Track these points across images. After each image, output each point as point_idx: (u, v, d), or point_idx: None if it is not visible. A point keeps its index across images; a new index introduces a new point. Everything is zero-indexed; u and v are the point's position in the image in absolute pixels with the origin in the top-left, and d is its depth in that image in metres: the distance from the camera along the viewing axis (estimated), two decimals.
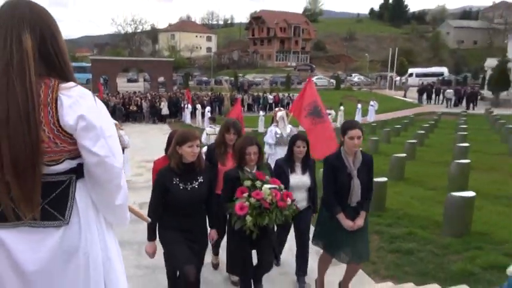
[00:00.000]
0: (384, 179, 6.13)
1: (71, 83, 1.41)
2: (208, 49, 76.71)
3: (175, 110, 25.15)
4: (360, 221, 3.31)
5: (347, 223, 3.30)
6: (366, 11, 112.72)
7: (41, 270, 1.40)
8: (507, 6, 70.72)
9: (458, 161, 7.80)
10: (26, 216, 1.38)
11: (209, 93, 32.67)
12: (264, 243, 3.30)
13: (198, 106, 23.56)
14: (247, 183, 3.10)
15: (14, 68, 1.32)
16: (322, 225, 3.50)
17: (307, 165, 3.78)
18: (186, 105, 23.91)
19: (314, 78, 41.09)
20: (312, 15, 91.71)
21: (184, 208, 2.99)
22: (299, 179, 3.66)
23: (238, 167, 3.29)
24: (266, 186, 3.05)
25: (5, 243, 1.38)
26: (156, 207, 2.97)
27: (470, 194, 5.19)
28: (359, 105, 23.04)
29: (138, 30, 70.92)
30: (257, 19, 75.09)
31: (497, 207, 6.11)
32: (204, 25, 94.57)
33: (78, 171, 1.46)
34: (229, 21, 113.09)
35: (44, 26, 1.41)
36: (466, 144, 10.55)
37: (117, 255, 1.61)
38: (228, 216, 3.26)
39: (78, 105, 1.37)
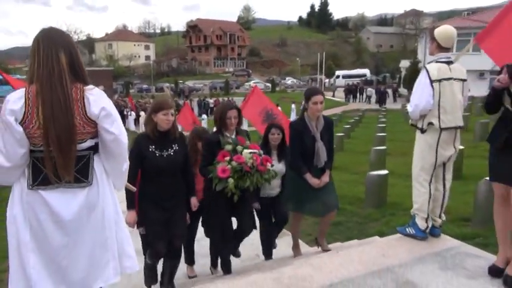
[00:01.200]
0: None
1: (91, 86, 1.90)
2: (147, 57, 76.93)
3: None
4: (325, 178, 3.54)
5: (313, 181, 3.47)
6: (296, 19, 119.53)
7: (73, 219, 1.86)
8: (416, 14, 79.65)
9: (376, 147, 9.19)
10: (63, 180, 1.83)
11: (151, 100, 34.15)
12: (242, 209, 3.41)
13: (142, 113, 22.92)
14: (229, 147, 3.14)
15: (55, 77, 1.78)
16: (291, 189, 3.67)
17: (283, 152, 3.79)
18: (129, 113, 24.37)
19: (251, 83, 43.80)
20: (245, 23, 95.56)
21: (162, 175, 3.04)
22: (275, 166, 3.55)
23: (219, 132, 3.35)
24: (246, 151, 3.11)
25: (46, 201, 1.83)
26: (133, 174, 2.94)
27: (385, 172, 6.13)
28: (293, 106, 25.30)
29: (74, 40, 69.60)
30: (194, 27, 77.00)
31: (408, 183, 7.58)
32: (141, 34, 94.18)
33: (95, 148, 1.95)
34: (166, 30, 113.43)
35: (70, 46, 1.90)
36: (384, 134, 13.10)
37: (121, 212, 2.05)
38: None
39: (100, 100, 1.88)
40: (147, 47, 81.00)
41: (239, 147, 3.16)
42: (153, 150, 3.02)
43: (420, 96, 3.07)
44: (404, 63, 39.96)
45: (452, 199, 6.30)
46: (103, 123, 1.88)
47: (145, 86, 53.90)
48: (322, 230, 3.90)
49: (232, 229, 3.48)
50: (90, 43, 78.08)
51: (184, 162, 3.21)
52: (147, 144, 3.04)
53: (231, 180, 3.02)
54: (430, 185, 3.19)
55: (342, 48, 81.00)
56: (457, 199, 5.87)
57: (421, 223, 3.27)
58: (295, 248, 4.00)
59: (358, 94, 37.76)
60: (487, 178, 4.29)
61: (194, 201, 3.38)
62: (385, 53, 77.85)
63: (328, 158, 3.57)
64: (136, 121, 23.84)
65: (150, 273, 3.40)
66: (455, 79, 3.03)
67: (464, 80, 3.11)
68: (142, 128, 22.82)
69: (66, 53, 1.85)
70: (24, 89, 1.79)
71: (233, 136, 3.32)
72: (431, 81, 2.96)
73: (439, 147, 3.09)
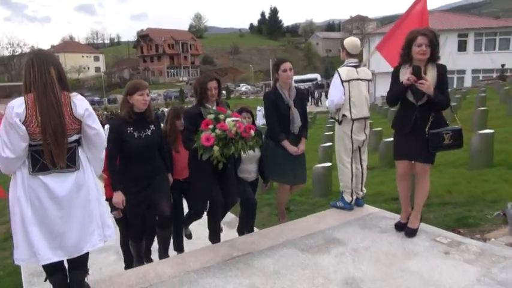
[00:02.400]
0: None
1: (75, 93, 2.41)
2: (97, 69, 75.13)
3: None
4: (302, 146, 3.77)
5: (291, 148, 3.69)
6: (247, 26, 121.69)
7: (66, 196, 2.35)
8: (361, 19, 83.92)
9: (323, 144, 9.88)
10: (57, 166, 2.32)
11: (105, 112, 33.83)
12: (227, 179, 3.47)
13: None
14: (211, 116, 3.16)
15: (48, 87, 2.28)
16: (269, 161, 3.87)
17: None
18: None
19: None
20: (197, 31, 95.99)
21: (142, 155, 3.16)
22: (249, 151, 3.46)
23: (199, 104, 3.37)
24: (229, 119, 3.12)
25: (45, 183, 2.32)
26: (114, 158, 3.14)
27: (328, 164, 6.64)
28: (258, 107, 25.55)
29: (17, 53, 66.60)
30: (144, 37, 76.25)
31: None
32: (89, 45, 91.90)
33: (79, 142, 2.46)
34: (115, 40, 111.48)
35: (56, 63, 2.39)
36: (331, 133, 13.42)
37: (101, 190, 2.62)
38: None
39: (83, 103, 2.39)
40: (96, 58, 79.05)
41: (221, 116, 3.17)
42: (132, 132, 3.12)
43: (334, 93, 3.77)
44: None
45: (385, 184, 7.28)
46: (87, 121, 2.40)
47: (96, 98, 52.92)
48: (281, 200, 4.13)
49: (221, 196, 3.48)
50: None
51: (161, 141, 3.36)
52: (125, 128, 3.12)
53: (216, 148, 3.01)
54: (351, 165, 3.94)
55: (293, 53, 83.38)
56: (389, 184, 6.84)
57: (347, 197, 4.02)
58: (282, 216, 4.22)
59: (310, 98, 39.41)
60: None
61: (169, 178, 3.51)
62: (334, 57, 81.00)
63: (303, 126, 3.81)
64: None
65: (137, 257, 3.54)
66: (361, 79, 3.82)
67: (369, 80, 3.91)
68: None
69: (55, 69, 2.35)
70: (23, 97, 2.28)
71: (214, 107, 3.35)
72: (342, 81, 3.72)
73: (353, 134, 3.85)
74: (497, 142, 8.72)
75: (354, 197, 4.05)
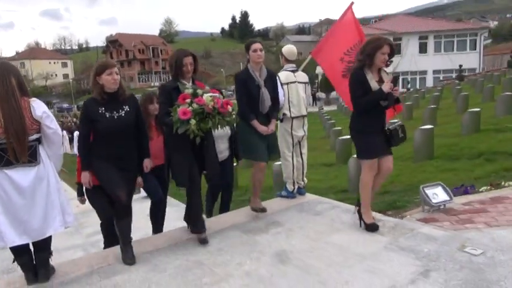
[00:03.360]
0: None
1: (33, 98, 2.79)
2: (65, 75, 73.83)
3: None
4: (272, 126, 3.86)
5: (262, 128, 3.76)
6: (218, 30, 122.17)
7: (28, 187, 2.72)
8: (330, 22, 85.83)
9: None
10: (20, 161, 2.69)
11: (74, 119, 33.39)
12: (206, 154, 3.39)
13: (65, 133, 21.64)
14: (189, 90, 3.12)
15: (9, 93, 2.65)
16: (241, 140, 3.92)
17: None
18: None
19: None
20: (168, 36, 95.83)
21: (114, 136, 3.06)
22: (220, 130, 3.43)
23: (175, 79, 3.31)
24: (207, 94, 3.11)
25: (9, 176, 2.68)
26: (85, 138, 3.12)
27: None
28: None
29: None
30: (114, 42, 75.39)
31: (317, 170, 9.22)
32: (56, 51, 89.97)
33: (39, 140, 2.82)
34: (84, 46, 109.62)
35: (17, 73, 2.78)
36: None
37: (60, 182, 2.98)
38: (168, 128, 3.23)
39: (41, 107, 2.76)
40: (64, 64, 77.54)
41: (199, 91, 3.14)
42: (103, 112, 3.04)
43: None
44: (320, 69, 43.15)
45: (339, 178, 7.86)
46: (45, 122, 2.78)
47: (65, 105, 52.12)
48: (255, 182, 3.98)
49: (198, 174, 3.43)
50: None
51: (137, 124, 3.21)
52: (96, 108, 3.05)
53: (192, 121, 3.00)
54: (292, 159, 4.45)
55: (265, 57, 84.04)
56: (341, 178, 7.45)
57: (289, 187, 4.54)
58: (254, 195, 4.08)
59: None
60: (354, 156, 5.79)
61: (147, 163, 3.36)
62: (305, 60, 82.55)
63: (274, 107, 3.86)
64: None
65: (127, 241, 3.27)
66: (299, 82, 4.35)
67: (306, 83, 4.45)
68: (66, 148, 22.50)
69: (15, 78, 2.73)
70: None
71: (189, 84, 3.30)
72: (282, 84, 4.24)
73: (293, 131, 4.37)
74: (442, 137, 9.54)
75: (296, 187, 4.56)
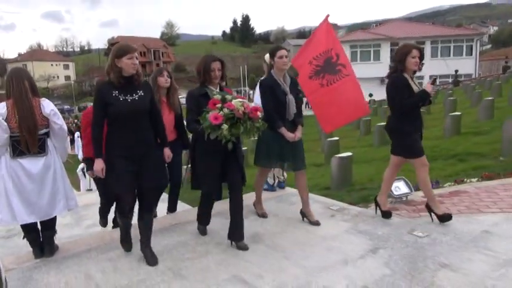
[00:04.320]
0: None
1: (43, 98, 3.28)
2: (67, 77, 74.52)
3: None
4: (299, 133, 3.79)
5: (289, 135, 3.69)
6: (220, 34, 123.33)
7: (38, 173, 3.19)
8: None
9: None
10: (31, 152, 3.17)
11: (75, 120, 34.00)
12: (233, 162, 3.40)
13: None
14: (218, 96, 3.10)
15: (23, 95, 3.14)
16: (262, 145, 3.82)
17: None
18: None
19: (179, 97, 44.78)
20: (169, 39, 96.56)
21: (127, 121, 2.98)
22: None
23: (203, 86, 3.34)
24: (236, 100, 3.10)
25: (22, 164, 3.15)
26: (98, 126, 3.01)
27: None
28: None
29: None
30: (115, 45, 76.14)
31: (307, 170, 9.37)
32: (58, 53, 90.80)
33: (47, 134, 3.27)
34: (86, 48, 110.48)
35: (29, 76, 3.30)
36: None
37: (65, 171, 3.44)
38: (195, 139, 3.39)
39: (50, 105, 3.25)
40: (66, 67, 78.15)
41: (228, 96, 3.12)
42: (117, 95, 2.97)
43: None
44: None
45: (324, 177, 8.32)
46: (53, 118, 3.26)
47: (67, 107, 52.79)
48: (302, 192, 3.99)
49: (219, 182, 3.51)
50: (1, 65, 73.50)
51: (152, 110, 3.14)
52: (110, 91, 2.97)
53: (225, 126, 2.95)
54: None
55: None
56: (327, 177, 7.92)
57: (270, 181, 5.03)
58: (258, 203, 4.30)
59: None
60: (336, 156, 6.29)
61: (168, 152, 3.33)
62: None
63: (299, 113, 3.81)
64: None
65: (124, 236, 3.41)
66: None
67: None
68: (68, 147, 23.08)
69: (28, 81, 3.23)
70: (5, 102, 3.16)
71: (217, 90, 3.30)
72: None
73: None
74: (426, 139, 9.86)
75: (276, 181, 5.05)
